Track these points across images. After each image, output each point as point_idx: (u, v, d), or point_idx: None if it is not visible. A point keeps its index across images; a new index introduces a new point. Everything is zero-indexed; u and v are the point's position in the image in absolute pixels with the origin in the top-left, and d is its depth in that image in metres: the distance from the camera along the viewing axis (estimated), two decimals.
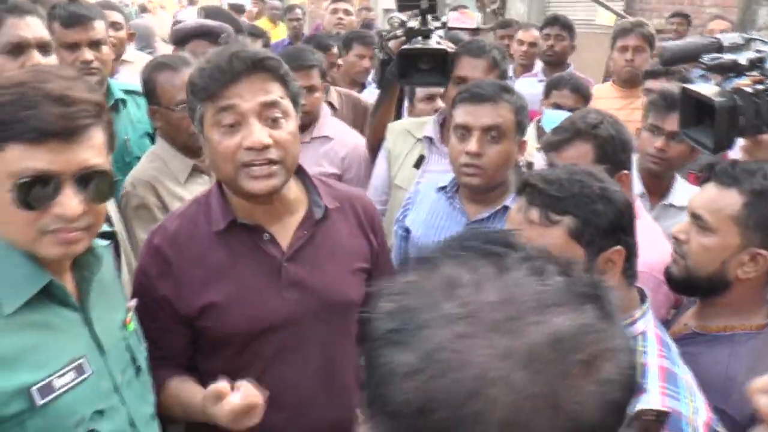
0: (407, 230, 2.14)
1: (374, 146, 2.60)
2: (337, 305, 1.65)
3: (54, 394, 1.15)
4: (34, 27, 1.99)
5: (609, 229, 1.33)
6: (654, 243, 1.86)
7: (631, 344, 0.61)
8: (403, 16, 2.51)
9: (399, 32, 2.51)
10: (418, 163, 2.39)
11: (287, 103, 1.50)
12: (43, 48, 2.01)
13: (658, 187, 2.44)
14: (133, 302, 1.47)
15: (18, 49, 1.97)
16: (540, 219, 1.34)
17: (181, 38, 2.89)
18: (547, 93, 3.18)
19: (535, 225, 1.34)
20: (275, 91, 1.47)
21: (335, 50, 3.94)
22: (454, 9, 3.01)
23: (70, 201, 1.16)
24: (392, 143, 2.47)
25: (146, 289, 1.58)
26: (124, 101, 2.73)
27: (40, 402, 1.13)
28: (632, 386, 0.59)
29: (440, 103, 2.85)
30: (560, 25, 4.34)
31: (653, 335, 1.39)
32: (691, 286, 1.63)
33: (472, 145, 1.90)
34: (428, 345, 0.57)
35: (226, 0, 8.70)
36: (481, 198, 2.01)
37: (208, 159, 1.55)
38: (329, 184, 1.73)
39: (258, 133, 1.43)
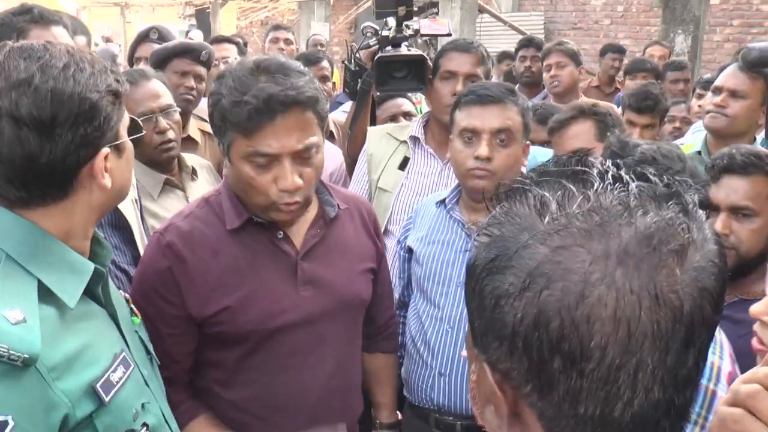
0: (410, 250, 2.01)
1: (354, 158, 2.57)
2: (350, 303, 1.64)
3: (114, 390, 1.09)
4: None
5: None
6: None
7: (714, 236, 0.64)
8: (376, 26, 2.52)
9: (372, 41, 2.51)
10: (403, 164, 2.38)
11: (318, 138, 1.46)
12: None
13: None
14: (127, 294, 1.40)
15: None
16: None
17: (163, 58, 2.79)
18: None
19: None
20: (309, 125, 1.44)
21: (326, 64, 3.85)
22: (425, 17, 3.05)
23: None
24: (374, 147, 2.45)
25: (155, 289, 1.51)
26: None
27: (107, 398, 1.07)
28: (722, 276, 0.62)
29: (403, 121, 2.86)
30: (535, 46, 4.58)
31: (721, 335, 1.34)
32: (743, 268, 1.77)
33: (483, 149, 1.81)
34: (530, 263, 0.59)
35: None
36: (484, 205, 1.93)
37: (233, 181, 1.51)
38: (334, 187, 1.73)
39: (291, 177, 1.42)
